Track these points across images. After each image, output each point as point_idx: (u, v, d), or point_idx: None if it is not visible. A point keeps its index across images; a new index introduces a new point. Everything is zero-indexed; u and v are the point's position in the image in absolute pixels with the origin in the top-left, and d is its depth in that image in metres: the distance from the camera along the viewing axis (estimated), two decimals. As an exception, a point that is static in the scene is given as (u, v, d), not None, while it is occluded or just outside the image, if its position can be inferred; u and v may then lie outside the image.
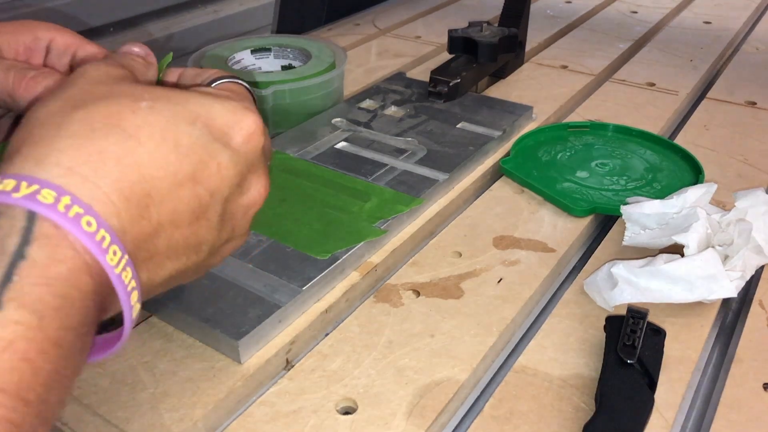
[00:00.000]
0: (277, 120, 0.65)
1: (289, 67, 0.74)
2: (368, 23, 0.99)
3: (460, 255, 0.50)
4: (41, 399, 0.21)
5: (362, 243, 0.48)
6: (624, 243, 0.49)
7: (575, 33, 0.95)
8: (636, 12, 1.03)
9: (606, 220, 0.56)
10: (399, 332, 0.43)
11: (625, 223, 0.50)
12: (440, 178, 0.56)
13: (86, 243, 0.22)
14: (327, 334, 0.43)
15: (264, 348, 0.41)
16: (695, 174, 0.59)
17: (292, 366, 0.41)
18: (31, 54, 0.34)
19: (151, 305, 0.43)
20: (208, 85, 0.32)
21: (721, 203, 0.55)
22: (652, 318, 0.43)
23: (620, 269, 0.43)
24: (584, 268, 0.49)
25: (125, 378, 0.39)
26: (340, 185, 0.55)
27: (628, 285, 0.43)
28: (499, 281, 0.47)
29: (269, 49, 0.74)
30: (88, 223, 0.23)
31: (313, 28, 1.00)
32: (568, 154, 0.63)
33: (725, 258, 0.44)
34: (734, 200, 0.48)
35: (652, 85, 0.78)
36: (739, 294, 0.44)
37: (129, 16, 1.19)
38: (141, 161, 0.25)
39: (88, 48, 0.35)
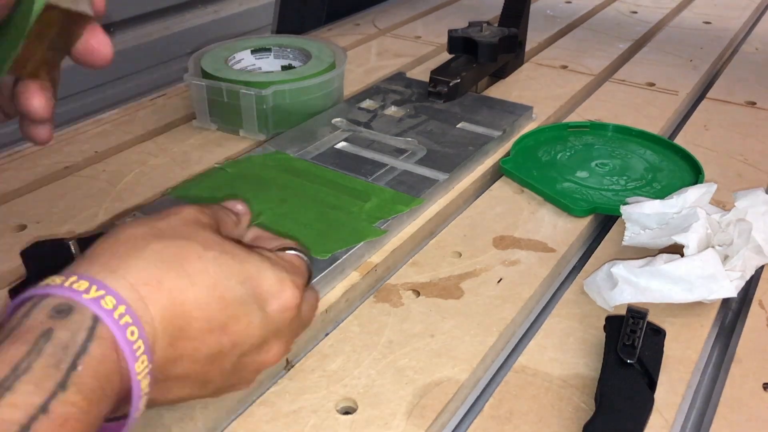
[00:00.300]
0: (277, 120, 0.65)
1: (289, 67, 0.74)
2: (368, 23, 0.99)
3: (460, 255, 0.50)
4: None
5: (362, 243, 0.48)
6: (624, 243, 0.49)
7: (575, 33, 0.95)
8: (636, 12, 1.04)
9: (606, 220, 0.56)
10: (399, 332, 0.43)
11: (625, 223, 0.50)
12: (440, 178, 0.56)
13: (125, 349, 0.26)
14: (327, 334, 0.43)
15: (264, 348, 0.41)
16: (695, 174, 0.59)
17: (292, 366, 0.41)
18: None
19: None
20: (275, 250, 0.36)
21: (721, 203, 0.55)
22: (652, 318, 0.43)
23: (620, 269, 0.43)
24: (584, 268, 0.49)
25: (125, 378, 0.39)
26: (340, 185, 0.55)
27: (628, 285, 0.43)
28: (499, 281, 0.47)
29: (269, 49, 0.74)
30: (132, 333, 0.26)
31: (313, 28, 1.00)
32: (568, 154, 0.63)
33: (725, 258, 0.44)
34: (734, 200, 0.48)
35: (652, 85, 0.78)
36: (738, 294, 0.44)
37: (129, 16, 1.19)
38: (187, 300, 0.29)
39: None
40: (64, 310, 0.26)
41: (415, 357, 0.41)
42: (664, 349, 0.41)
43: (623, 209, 0.50)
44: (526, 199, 0.57)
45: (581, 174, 0.59)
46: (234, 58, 0.71)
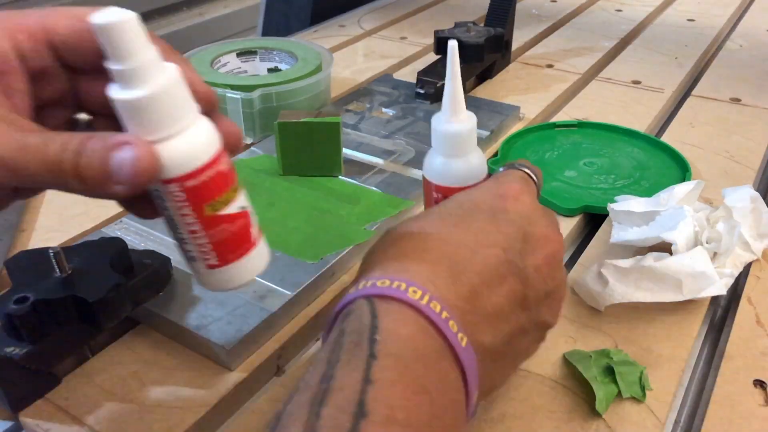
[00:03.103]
0: (264, 123, 0.65)
1: (276, 69, 0.73)
2: (354, 24, 0.99)
3: (450, 256, 0.49)
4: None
5: (352, 246, 0.48)
6: (611, 241, 0.49)
7: (561, 32, 0.95)
8: (620, 10, 1.04)
9: (595, 219, 0.56)
10: (390, 336, 0.42)
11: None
12: (429, 179, 0.56)
13: (436, 320, 0.27)
14: (318, 339, 0.43)
15: (254, 354, 0.41)
16: (682, 171, 0.59)
17: (284, 372, 0.40)
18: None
19: (140, 314, 0.42)
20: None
21: (709, 200, 0.55)
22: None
23: (610, 269, 0.43)
24: (574, 267, 0.49)
25: (114, 388, 0.38)
26: (329, 188, 0.55)
27: (618, 284, 0.43)
28: (489, 282, 0.47)
29: (255, 52, 0.73)
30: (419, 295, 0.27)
31: (298, 30, 1.00)
32: (556, 153, 0.63)
33: (714, 255, 0.45)
34: (722, 197, 0.48)
35: (638, 83, 0.78)
36: (727, 291, 0.44)
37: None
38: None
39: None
40: (351, 311, 0.28)
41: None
42: (656, 347, 0.41)
43: (610, 207, 0.50)
44: (515, 199, 0.57)
45: (569, 173, 0.60)
46: (219, 61, 0.71)
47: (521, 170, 0.37)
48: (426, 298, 0.27)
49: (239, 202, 0.30)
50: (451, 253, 0.30)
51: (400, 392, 0.24)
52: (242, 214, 0.31)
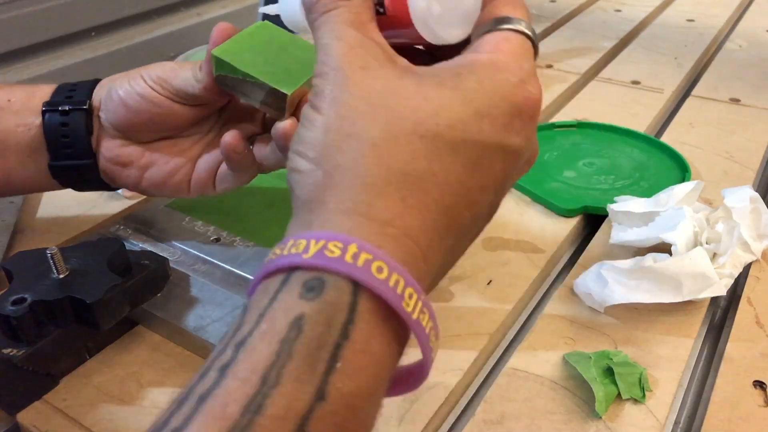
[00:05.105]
0: (262, 123, 0.65)
1: (274, 69, 0.73)
2: (353, 24, 0.98)
3: (450, 257, 0.49)
4: None
5: (351, 247, 0.47)
6: (611, 242, 0.49)
7: (560, 32, 0.95)
8: (620, 10, 1.04)
9: (595, 220, 0.56)
10: (389, 337, 0.42)
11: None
12: (428, 179, 0.56)
13: (383, 293, 0.22)
14: (316, 340, 0.43)
15: (253, 355, 0.40)
16: (682, 172, 0.59)
17: (282, 373, 0.40)
18: None
19: (139, 314, 0.42)
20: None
21: (708, 201, 0.55)
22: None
23: (610, 270, 0.43)
24: (573, 268, 0.49)
25: (112, 390, 0.38)
26: (328, 189, 0.54)
27: (618, 285, 0.43)
28: (488, 283, 0.47)
29: (254, 52, 0.73)
30: (379, 269, 0.22)
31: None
32: (555, 153, 0.63)
33: (713, 256, 0.44)
34: (722, 197, 0.48)
35: (638, 83, 0.78)
36: (727, 292, 0.44)
37: (111, 20, 1.18)
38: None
39: None
40: (315, 287, 0.21)
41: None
42: (655, 348, 0.41)
43: (610, 208, 0.50)
44: (514, 199, 0.57)
45: (569, 173, 0.59)
46: (218, 61, 0.71)
47: (521, 33, 0.29)
48: (400, 284, 0.22)
49: None
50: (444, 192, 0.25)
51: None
52: None
